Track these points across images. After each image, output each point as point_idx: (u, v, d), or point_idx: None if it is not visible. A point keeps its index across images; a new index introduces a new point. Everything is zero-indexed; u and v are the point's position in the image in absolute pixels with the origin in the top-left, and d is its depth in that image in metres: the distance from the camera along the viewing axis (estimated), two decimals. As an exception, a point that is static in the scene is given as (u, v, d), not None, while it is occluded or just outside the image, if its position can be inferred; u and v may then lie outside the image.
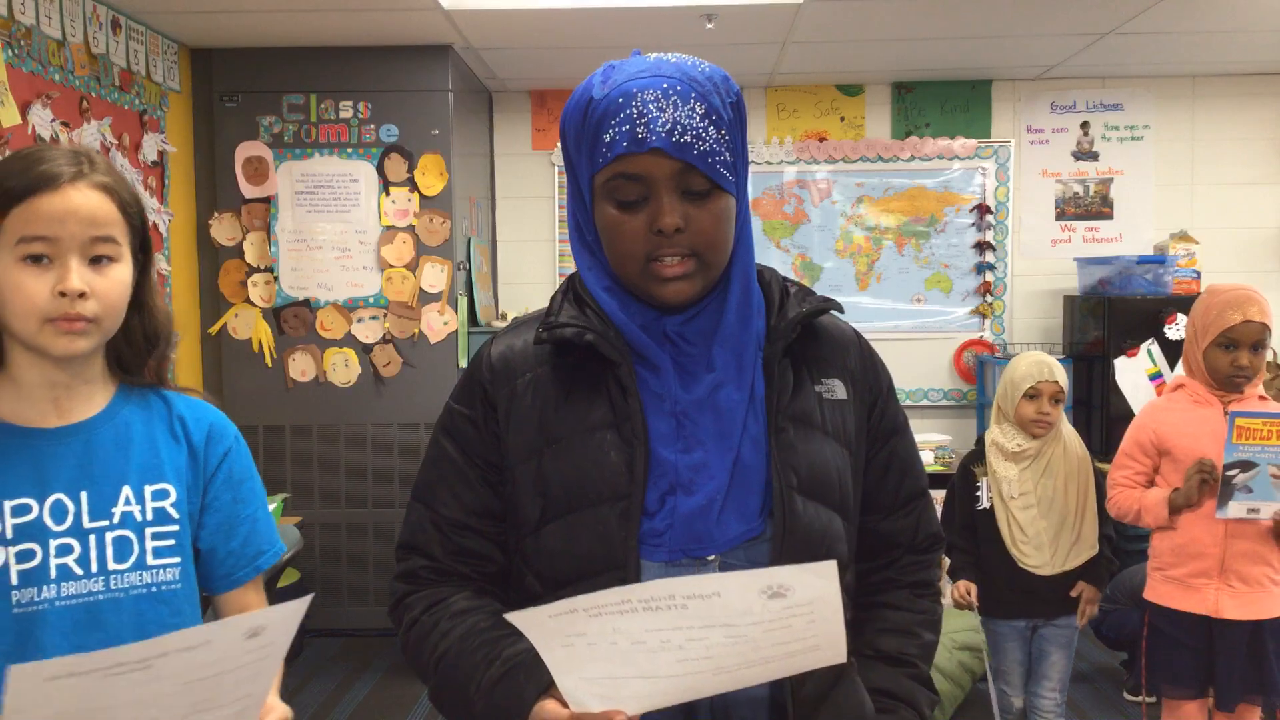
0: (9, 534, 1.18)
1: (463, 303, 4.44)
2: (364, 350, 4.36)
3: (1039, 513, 2.83)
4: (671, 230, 1.07)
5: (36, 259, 1.16)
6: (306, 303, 4.34)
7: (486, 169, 5.17)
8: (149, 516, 1.25)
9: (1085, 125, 5.17)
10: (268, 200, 4.31)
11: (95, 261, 1.20)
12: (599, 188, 1.10)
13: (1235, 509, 2.46)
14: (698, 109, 1.06)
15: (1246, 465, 2.43)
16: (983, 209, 5.17)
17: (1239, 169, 5.14)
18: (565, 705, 1.00)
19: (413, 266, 4.33)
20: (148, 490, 1.26)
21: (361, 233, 4.34)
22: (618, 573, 1.08)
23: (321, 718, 3.74)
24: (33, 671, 0.90)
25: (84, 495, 1.23)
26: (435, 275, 4.34)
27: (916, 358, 5.04)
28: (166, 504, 1.27)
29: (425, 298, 4.35)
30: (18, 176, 1.17)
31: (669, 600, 0.91)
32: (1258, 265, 5.13)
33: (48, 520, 1.20)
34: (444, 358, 4.38)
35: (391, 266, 4.33)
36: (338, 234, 4.34)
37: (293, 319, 4.33)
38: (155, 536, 1.26)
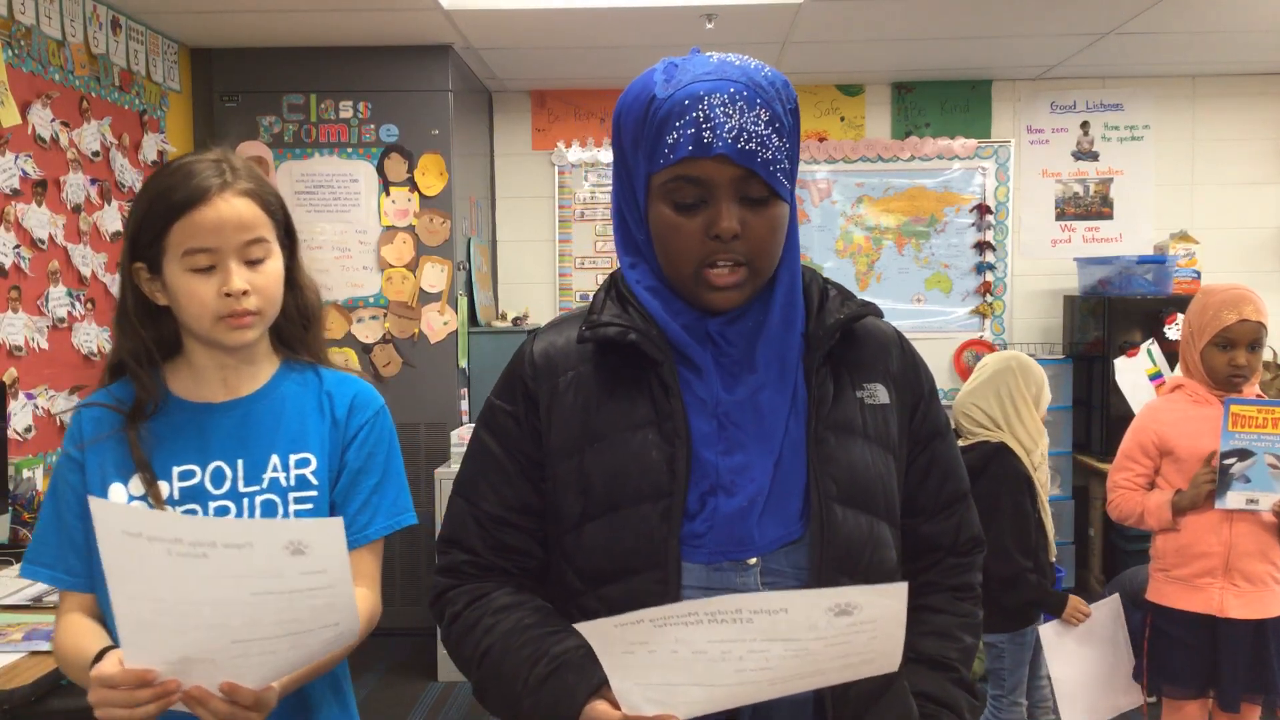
0: (176, 495, 1.35)
1: (463, 303, 4.44)
2: (364, 350, 4.36)
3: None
4: (729, 236, 1.06)
5: (203, 269, 1.32)
6: (306, 303, 4.33)
7: (486, 169, 5.17)
8: (292, 482, 1.39)
9: (1085, 125, 5.18)
10: (268, 200, 4.31)
11: (251, 261, 1.34)
12: (656, 188, 1.09)
13: (1234, 499, 2.45)
14: (762, 116, 1.06)
15: (1243, 454, 2.43)
16: (983, 209, 5.17)
17: (1239, 169, 5.14)
18: (616, 706, 0.99)
19: (413, 266, 4.33)
20: (292, 459, 1.39)
21: (361, 233, 4.34)
22: (658, 572, 1.08)
23: (321, 718, 3.73)
24: (110, 510, 1.08)
25: (240, 463, 1.38)
26: (435, 275, 4.34)
27: (916, 358, 5.03)
28: (307, 471, 1.40)
29: (425, 297, 4.35)
30: (172, 193, 1.31)
31: (735, 614, 0.93)
32: (1258, 265, 5.13)
33: (208, 485, 1.36)
34: (444, 358, 4.38)
35: (391, 266, 4.33)
36: (338, 234, 4.34)
37: (293, 319, 4.32)
38: (297, 501, 1.39)
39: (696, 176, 1.06)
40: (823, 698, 1.09)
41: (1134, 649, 2.81)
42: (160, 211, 1.32)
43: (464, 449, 1.38)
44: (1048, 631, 2.78)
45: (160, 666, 1.10)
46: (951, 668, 1.22)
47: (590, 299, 1.21)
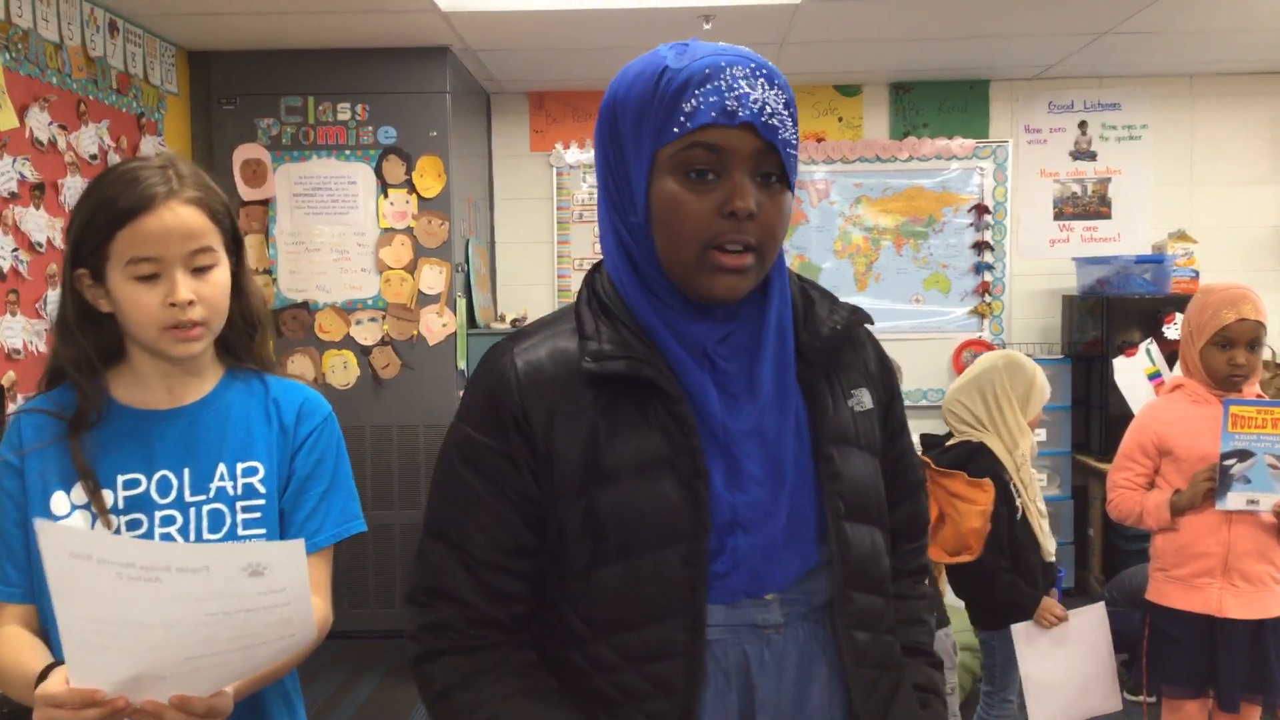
0: (121, 504, 1.32)
1: (461, 304, 4.44)
2: (362, 352, 4.36)
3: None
4: (745, 214, 1.00)
5: (147, 277, 1.29)
6: (305, 305, 4.34)
7: (484, 170, 5.17)
8: (239, 491, 1.37)
9: (1083, 125, 5.17)
10: (266, 203, 4.31)
11: (197, 270, 1.32)
12: (665, 160, 1.01)
13: (1234, 500, 2.45)
14: (780, 96, 1.02)
15: (1243, 455, 2.42)
16: (981, 209, 5.17)
17: (1237, 169, 5.14)
18: None
19: (411, 268, 4.33)
20: (239, 467, 1.38)
21: (360, 235, 4.34)
22: (683, 618, 1.02)
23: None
24: (58, 535, 1.05)
25: (186, 471, 1.35)
26: (433, 277, 4.33)
27: (915, 358, 4.99)
28: (255, 480, 1.38)
29: (424, 299, 4.35)
30: (118, 200, 1.28)
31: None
32: (1256, 265, 5.12)
33: (154, 494, 1.34)
34: (443, 359, 4.38)
35: (390, 268, 4.32)
36: (336, 236, 4.33)
37: (291, 321, 4.32)
38: (245, 510, 1.37)
39: (716, 144, 0.99)
40: (855, 710, 1.09)
41: (1133, 649, 2.81)
42: (104, 220, 1.29)
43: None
44: (1019, 631, 2.78)
45: (108, 686, 1.08)
46: (926, 652, 1.24)
47: (570, 309, 1.12)
